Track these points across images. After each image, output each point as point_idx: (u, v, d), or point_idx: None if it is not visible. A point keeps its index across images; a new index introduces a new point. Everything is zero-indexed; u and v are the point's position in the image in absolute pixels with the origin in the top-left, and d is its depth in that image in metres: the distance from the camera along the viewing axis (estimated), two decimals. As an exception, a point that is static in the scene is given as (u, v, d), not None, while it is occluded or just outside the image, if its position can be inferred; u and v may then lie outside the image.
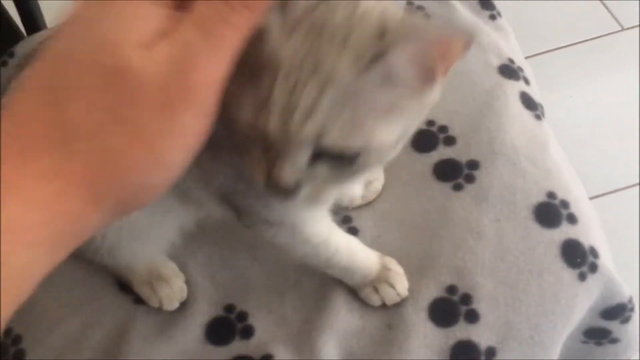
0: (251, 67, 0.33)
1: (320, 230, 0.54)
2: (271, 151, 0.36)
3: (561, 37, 1.49)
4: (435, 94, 0.38)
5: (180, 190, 0.51)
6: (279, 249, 0.56)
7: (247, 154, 0.38)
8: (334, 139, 0.35)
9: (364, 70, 0.33)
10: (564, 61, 1.46)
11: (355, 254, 0.58)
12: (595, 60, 1.45)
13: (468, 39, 0.35)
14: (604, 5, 1.52)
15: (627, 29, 1.50)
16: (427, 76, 0.36)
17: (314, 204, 0.41)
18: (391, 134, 0.37)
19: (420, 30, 0.34)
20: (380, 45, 0.33)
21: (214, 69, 0.29)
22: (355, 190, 0.63)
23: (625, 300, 0.64)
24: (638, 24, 1.50)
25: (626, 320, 0.65)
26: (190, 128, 0.29)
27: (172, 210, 0.56)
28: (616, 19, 1.51)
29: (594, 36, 1.49)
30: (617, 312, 0.64)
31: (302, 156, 0.36)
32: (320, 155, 0.36)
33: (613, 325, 0.65)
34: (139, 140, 0.28)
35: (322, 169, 0.37)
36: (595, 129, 1.33)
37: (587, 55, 1.46)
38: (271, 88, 0.33)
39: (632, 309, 0.65)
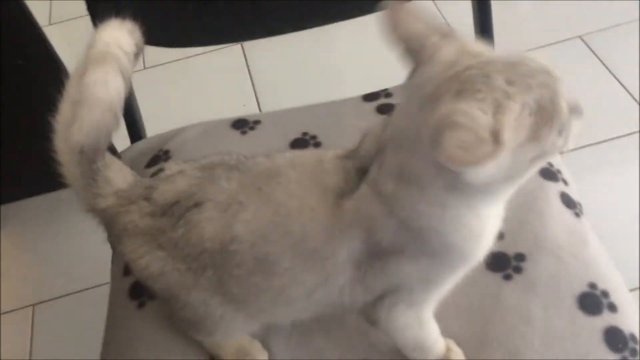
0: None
1: (430, 311, 0.66)
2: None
3: (599, 133, 1.58)
4: None
5: (335, 305, 0.63)
6: (396, 335, 0.66)
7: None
8: None
9: None
10: (602, 155, 1.54)
11: (437, 339, 0.67)
12: (632, 155, 1.53)
13: None
14: (636, 100, 1.62)
15: (661, 126, 1.58)
16: None
17: None
18: None
19: None
20: None
21: None
22: None
23: (665, 383, 0.69)
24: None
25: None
26: None
27: (310, 314, 0.67)
28: (650, 117, 1.60)
29: (628, 132, 1.57)
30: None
31: None
32: None
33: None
34: None
35: None
36: (634, 221, 1.39)
37: (624, 149, 1.54)
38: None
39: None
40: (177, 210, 0.63)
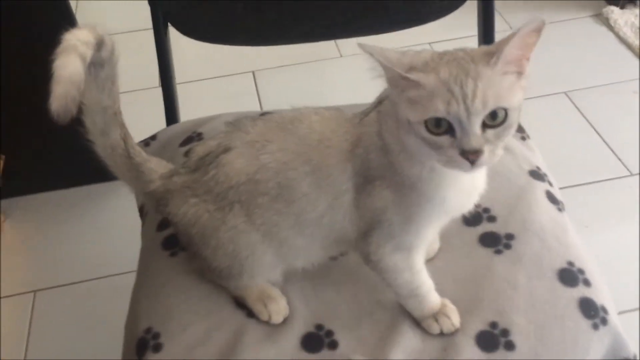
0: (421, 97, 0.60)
1: (420, 260, 0.76)
2: (458, 135, 0.61)
3: (578, 177, 1.72)
4: (525, 79, 0.62)
5: (339, 234, 0.74)
6: (389, 277, 0.76)
7: (439, 151, 0.62)
8: (492, 105, 0.59)
9: (493, 66, 0.59)
10: (579, 197, 1.68)
11: (431, 289, 0.78)
12: (607, 199, 1.67)
13: (540, 24, 0.59)
14: (613, 152, 1.78)
15: (636, 174, 1.73)
16: (519, 65, 0.61)
17: (492, 162, 0.63)
18: (516, 100, 0.61)
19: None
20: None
21: None
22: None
23: (630, 356, 0.79)
24: (644, 170, 1.73)
25: (633, 375, 0.80)
26: None
27: (321, 251, 0.78)
28: (625, 165, 1.75)
29: (605, 178, 1.72)
30: (625, 366, 0.79)
31: (477, 127, 0.60)
32: (485, 126, 0.60)
33: (622, 379, 0.80)
34: None
35: (490, 134, 0.61)
36: (606, 257, 1.50)
37: (600, 194, 1.68)
38: (450, 94, 0.59)
39: (638, 366, 0.80)
40: (209, 159, 0.76)
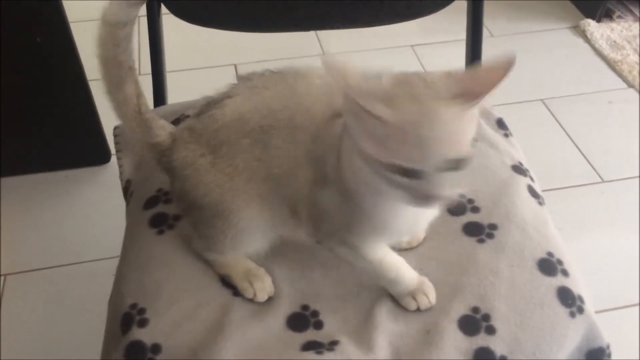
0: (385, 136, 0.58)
1: (374, 253, 0.77)
2: (424, 182, 0.59)
3: (550, 182, 1.76)
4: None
5: (293, 203, 0.76)
6: (345, 261, 0.78)
7: (399, 189, 0.61)
8: (462, 155, 0.59)
9: (462, 115, 0.58)
10: (553, 201, 1.71)
11: (401, 270, 0.79)
12: (580, 204, 1.72)
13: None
14: (586, 159, 1.83)
15: (607, 181, 1.79)
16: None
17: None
18: (470, 139, 0.60)
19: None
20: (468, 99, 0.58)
21: None
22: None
23: (604, 345, 0.82)
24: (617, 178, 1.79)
25: (606, 365, 0.83)
26: None
27: (283, 224, 0.79)
28: (597, 173, 1.80)
29: (578, 184, 1.77)
30: (597, 354, 0.82)
31: (446, 176, 0.59)
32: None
33: (595, 368, 0.83)
34: None
35: (452, 177, 0.59)
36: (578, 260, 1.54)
37: (573, 199, 1.73)
38: (422, 143, 0.57)
39: (609, 355, 0.83)
40: (212, 103, 0.78)
